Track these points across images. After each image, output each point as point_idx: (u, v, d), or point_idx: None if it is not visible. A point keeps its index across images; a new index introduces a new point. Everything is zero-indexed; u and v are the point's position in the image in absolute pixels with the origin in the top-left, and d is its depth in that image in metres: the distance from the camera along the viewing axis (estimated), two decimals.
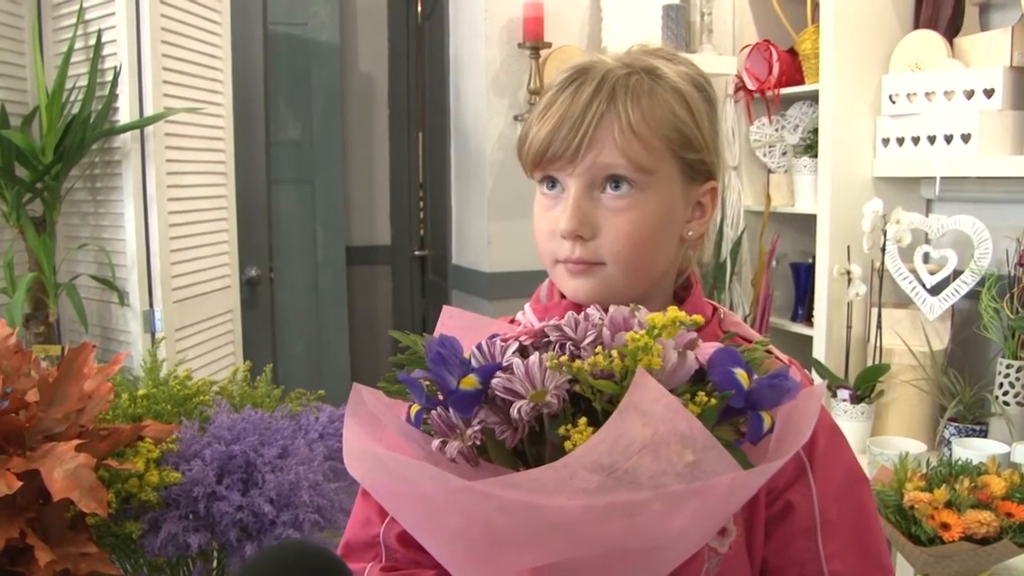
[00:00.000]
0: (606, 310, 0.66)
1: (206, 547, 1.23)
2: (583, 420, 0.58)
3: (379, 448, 0.65)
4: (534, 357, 0.61)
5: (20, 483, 1.02)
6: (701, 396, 0.59)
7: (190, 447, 1.26)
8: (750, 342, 0.80)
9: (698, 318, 0.63)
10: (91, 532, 1.17)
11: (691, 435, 0.56)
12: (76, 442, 1.08)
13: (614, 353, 0.59)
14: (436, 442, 0.62)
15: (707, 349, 0.63)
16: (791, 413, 0.63)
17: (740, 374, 0.60)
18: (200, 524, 1.22)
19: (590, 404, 0.60)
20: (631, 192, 0.78)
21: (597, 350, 0.60)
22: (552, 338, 0.64)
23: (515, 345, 0.64)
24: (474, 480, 0.57)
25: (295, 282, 3.27)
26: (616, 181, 0.78)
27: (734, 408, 0.60)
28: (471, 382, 0.61)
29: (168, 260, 1.93)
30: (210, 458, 1.24)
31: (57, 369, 1.18)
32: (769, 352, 0.73)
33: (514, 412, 0.59)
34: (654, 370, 0.58)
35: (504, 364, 0.62)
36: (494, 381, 0.60)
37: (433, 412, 0.62)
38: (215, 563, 1.29)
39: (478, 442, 0.61)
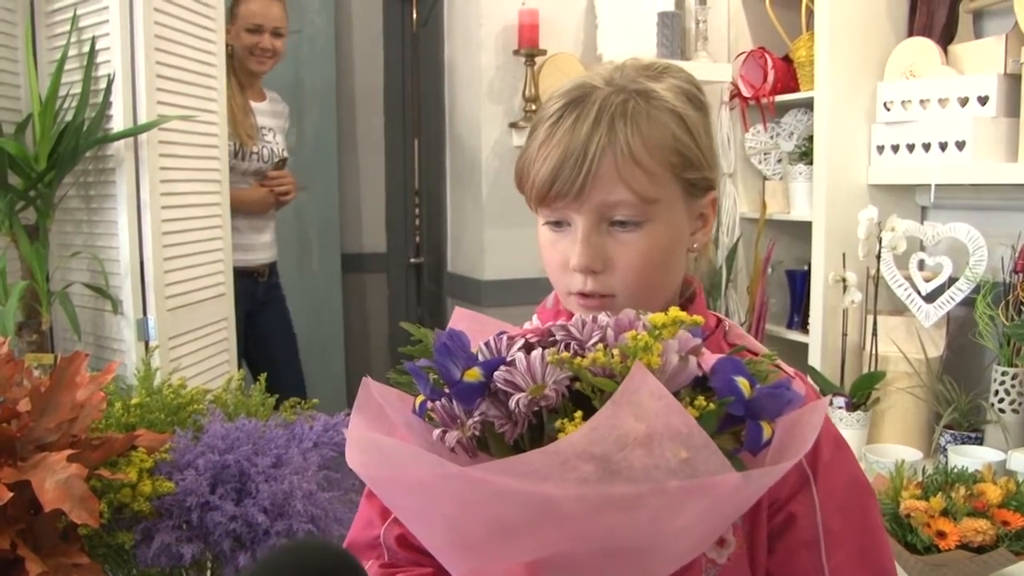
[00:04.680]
0: None
1: (199, 557, 1.22)
2: (579, 413, 0.58)
3: (379, 435, 0.65)
4: (536, 352, 0.62)
5: (11, 494, 1.01)
6: (700, 400, 0.59)
7: (183, 456, 1.26)
8: (757, 355, 0.80)
9: (698, 318, 0.63)
10: (83, 543, 1.16)
11: (686, 432, 0.56)
12: (68, 452, 1.08)
13: (615, 351, 0.60)
14: (437, 432, 0.63)
15: (711, 359, 0.63)
16: (793, 425, 0.63)
17: (742, 382, 0.60)
18: (193, 534, 1.21)
19: (591, 404, 0.60)
20: (638, 223, 0.79)
21: (598, 347, 0.61)
22: (558, 337, 0.65)
23: (521, 342, 0.65)
24: None
25: (290, 290, 3.25)
26: (623, 214, 0.78)
27: (734, 416, 0.60)
28: (475, 374, 0.62)
29: (162, 268, 1.92)
30: (203, 467, 1.23)
31: (49, 378, 1.17)
32: (777, 366, 0.73)
33: (512, 404, 0.60)
34: (654, 369, 0.59)
35: (508, 359, 0.63)
36: (496, 374, 0.61)
37: (436, 403, 0.64)
38: (208, 573, 1.28)
39: (477, 433, 0.62)
